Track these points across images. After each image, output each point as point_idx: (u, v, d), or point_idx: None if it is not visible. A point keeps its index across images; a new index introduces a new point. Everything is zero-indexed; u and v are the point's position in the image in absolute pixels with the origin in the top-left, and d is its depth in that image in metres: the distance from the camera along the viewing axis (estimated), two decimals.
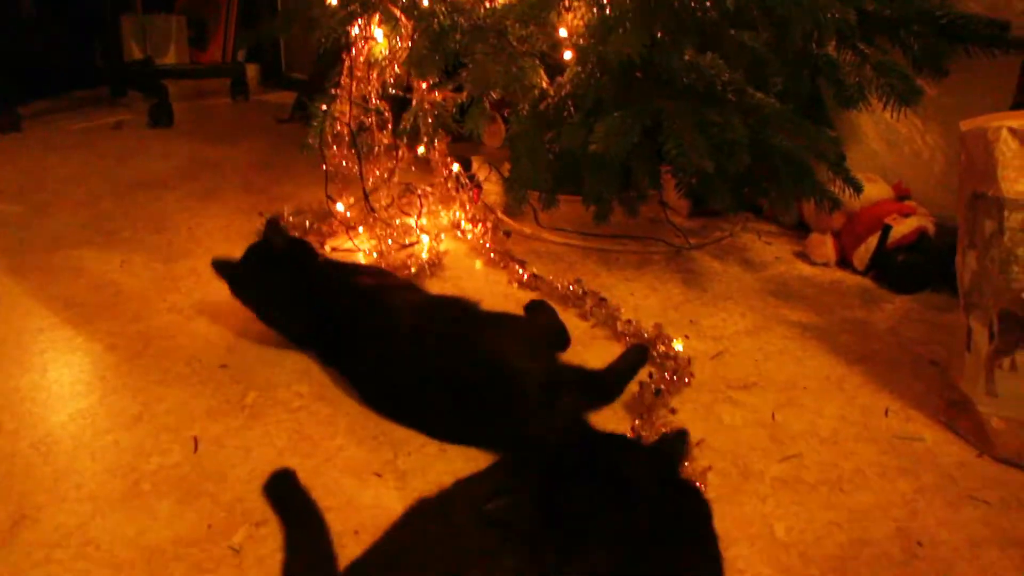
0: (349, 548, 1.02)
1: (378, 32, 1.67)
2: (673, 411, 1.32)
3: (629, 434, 1.25)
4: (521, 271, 1.75)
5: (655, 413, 1.29)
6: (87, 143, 2.91)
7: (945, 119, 1.95)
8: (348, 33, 1.67)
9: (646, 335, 1.51)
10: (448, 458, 1.21)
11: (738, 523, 1.10)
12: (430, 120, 1.73)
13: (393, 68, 1.68)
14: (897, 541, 1.08)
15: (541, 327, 1.48)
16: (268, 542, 1.04)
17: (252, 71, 3.93)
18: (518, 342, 1.32)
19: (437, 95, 1.74)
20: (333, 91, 1.82)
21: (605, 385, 1.34)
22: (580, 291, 1.65)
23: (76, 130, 3.11)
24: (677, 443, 1.12)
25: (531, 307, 1.57)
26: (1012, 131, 1.18)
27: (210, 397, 1.34)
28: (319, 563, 0.99)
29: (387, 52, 1.64)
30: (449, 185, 1.94)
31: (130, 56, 3.80)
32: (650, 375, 1.39)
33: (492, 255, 1.85)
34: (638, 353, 1.43)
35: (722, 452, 1.24)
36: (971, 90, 1.87)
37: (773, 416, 1.34)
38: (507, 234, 1.95)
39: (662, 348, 1.46)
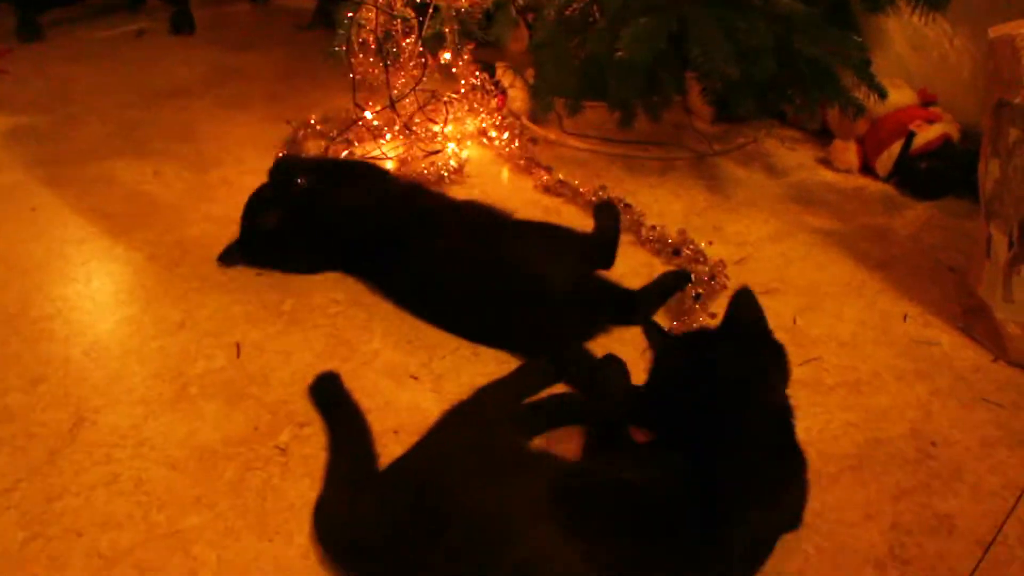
0: (389, 448, 1.08)
1: None
2: (713, 315, 1.35)
3: None
4: (547, 177, 1.78)
5: (693, 317, 1.33)
6: (110, 52, 2.91)
7: (975, 22, 1.92)
8: None
9: (670, 240, 1.54)
10: (481, 360, 1.26)
11: None
12: (455, 27, 1.73)
13: None
14: (911, 441, 1.13)
15: (579, 240, 1.50)
16: (312, 442, 1.10)
17: None
18: (550, 253, 1.36)
19: (463, 1, 1.73)
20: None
21: (635, 304, 1.37)
22: (605, 197, 1.68)
23: (98, 39, 3.10)
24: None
25: (599, 208, 1.62)
26: None
27: (249, 304, 1.40)
28: (362, 462, 1.05)
29: None
30: (474, 92, 1.95)
31: None
32: (689, 279, 1.42)
33: (520, 161, 1.87)
34: (676, 278, 1.45)
35: None
36: None
37: (795, 320, 1.38)
38: (533, 140, 1.97)
39: (689, 252, 1.49)
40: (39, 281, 1.48)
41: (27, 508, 1.00)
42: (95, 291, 1.45)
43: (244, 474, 1.05)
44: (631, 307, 1.35)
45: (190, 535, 0.97)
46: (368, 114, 1.93)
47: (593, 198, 1.70)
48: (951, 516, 1.02)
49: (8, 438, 1.12)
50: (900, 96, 1.91)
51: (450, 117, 1.95)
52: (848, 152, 1.94)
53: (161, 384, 1.22)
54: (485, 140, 1.96)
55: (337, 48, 1.84)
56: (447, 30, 1.76)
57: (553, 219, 1.64)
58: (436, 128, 1.92)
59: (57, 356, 1.28)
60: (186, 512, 1.00)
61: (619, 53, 1.47)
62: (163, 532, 0.97)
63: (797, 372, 1.23)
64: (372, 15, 1.78)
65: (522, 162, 1.86)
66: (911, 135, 1.84)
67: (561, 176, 1.77)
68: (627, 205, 1.66)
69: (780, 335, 1.30)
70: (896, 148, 1.86)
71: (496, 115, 1.95)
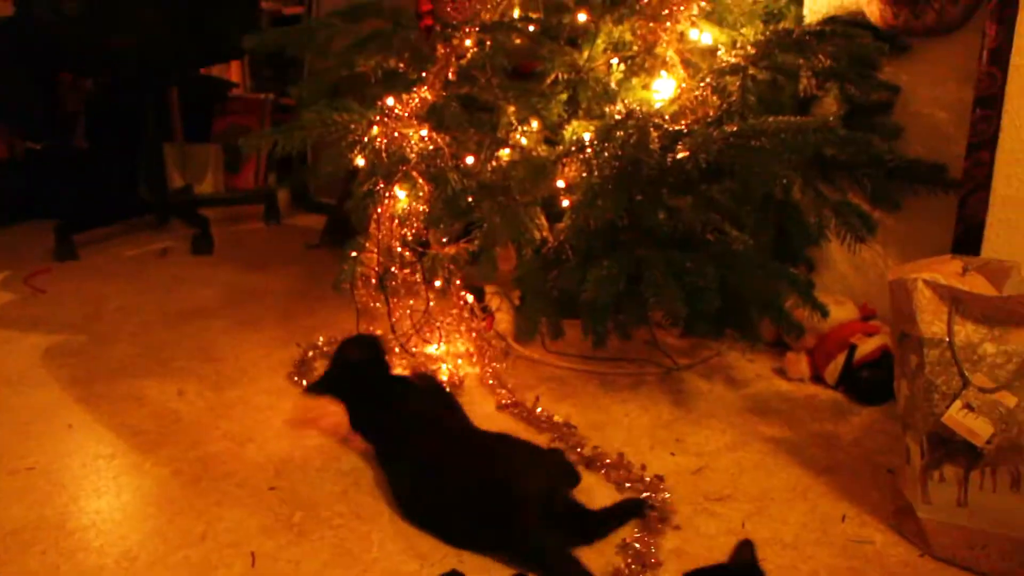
0: None
1: (400, 192, 1.94)
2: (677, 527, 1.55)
3: None
4: (505, 395, 2.02)
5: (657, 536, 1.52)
6: (137, 271, 3.20)
7: (902, 246, 2.20)
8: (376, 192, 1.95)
9: (608, 461, 1.74)
10: (466, 566, 1.43)
11: None
12: (447, 265, 2.00)
13: (413, 223, 1.95)
14: None
15: (554, 461, 1.70)
16: None
17: (283, 196, 4.25)
18: (528, 469, 1.56)
19: (451, 249, 2.00)
20: (361, 240, 2.09)
21: (590, 526, 1.52)
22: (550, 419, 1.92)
23: (127, 257, 3.41)
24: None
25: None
26: (926, 282, 1.43)
27: (263, 517, 1.58)
28: None
29: (408, 208, 1.91)
30: (464, 315, 2.19)
31: (171, 182, 4.14)
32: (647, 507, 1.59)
33: (489, 381, 2.09)
34: (634, 505, 1.59)
35: (696, 558, 1.46)
36: (922, 220, 2.13)
37: (743, 525, 1.56)
38: (506, 354, 2.21)
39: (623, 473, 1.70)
40: (75, 494, 1.67)
41: None
42: (125, 504, 1.64)
43: None
44: (587, 532, 1.51)
45: None
46: None
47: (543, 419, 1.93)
48: None
49: None
50: (843, 312, 2.16)
51: (441, 340, 2.18)
52: (800, 363, 2.17)
53: None
54: (473, 360, 2.19)
55: (344, 285, 2.10)
56: (439, 268, 2.01)
57: None
58: (431, 349, 2.16)
59: (92, 566, 1.45)
60: None
61: (584, 295, 1.73)
62: None
63: None
64: (373, 255, 2.04)
65: (490, 381, 2.09)
66: (853, 347, 2.07)
67: (536, 396, 2.01)
68: (570, 426, 1.89)
69: (730, 538, 1.50)
70: (841, 359, 2.09)
71: (480, 336, 2.18)
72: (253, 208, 4.10)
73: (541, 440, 1.84)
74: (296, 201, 4.30)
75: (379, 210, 1.94)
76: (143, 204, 4.01)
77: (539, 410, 1.96)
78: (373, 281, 2.07)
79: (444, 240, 1.99)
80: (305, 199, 4.22)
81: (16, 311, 2.75)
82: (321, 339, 2.29)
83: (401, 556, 1.47)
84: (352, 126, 1.95)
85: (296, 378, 2.17)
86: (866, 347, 2.07)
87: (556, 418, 1.93)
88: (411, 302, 2.11)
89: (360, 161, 1.97)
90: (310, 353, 2.25)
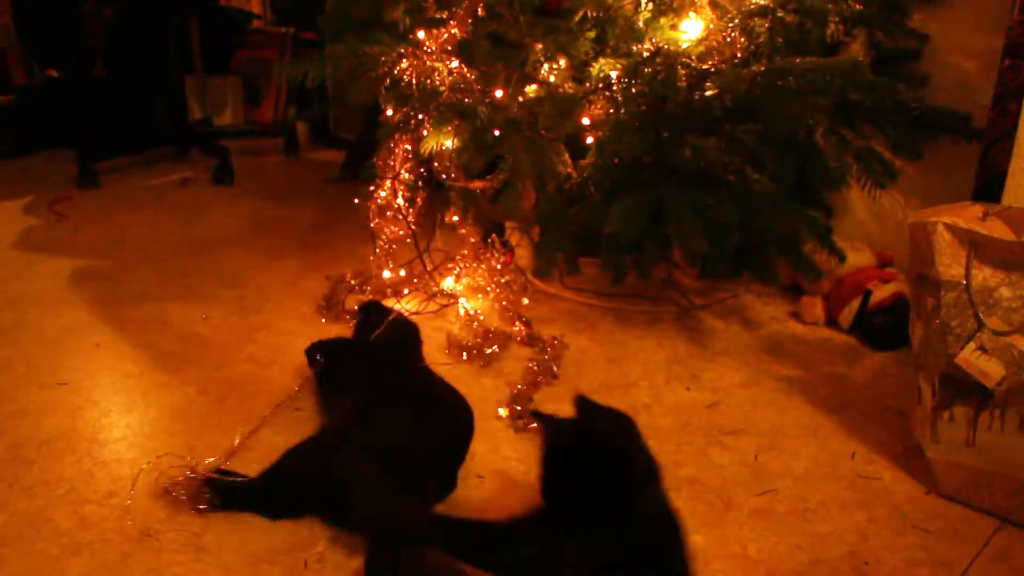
0: None
1: (429, 125, 1.96)
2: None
3: None
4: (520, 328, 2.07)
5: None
6: (159, 200, 3.24)
7: (923, 195, 2.21)
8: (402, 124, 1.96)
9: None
10: (485, 485, 1.48)
11: (718, 544, 1.36)
12: (469, 199, 2.02)
13: (440, 156, 1.97)
14: (848, 560, 1.34)
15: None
16: (342, 551, 1.32)
17: (302, 129, 4.26)
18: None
19: (476, 184, 2.02)
20: (384, 170, 2.11)
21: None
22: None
23: (148, 186, 3.44)
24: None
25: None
26: (946, 225, 1.45)
27: (288, 434, 1.62)
28: None
29: (435, 144, 1.93)
30: (482, 250, 2.22)
31: (191, 115, 4.15)
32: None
33: (507, 314, 2.13)
34: None
35: (710, 486, 1.50)
36: (944, 169, 2.14)
37: (756, 458, 1.60)
38: (525, 288, 2.24)
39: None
40: (106, 409, 1.72)
41: None
42: (154, 419, 1.69)
43: None
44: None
45: None
46: (387, 273, 2.20)
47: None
48: None
49: (87, 544, 1.33)
50: (860, 258, 2.18)
51: (460, 275, 2.21)
52: (815, 307, 2.20)
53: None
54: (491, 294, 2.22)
55: (365, 203, 2.13)
56: (462, 202, 2.03)
57: None
58: (448, 284, 2.19)
59: (125, 475, 1.51)
60: None
61: (608, 228, 1.75)
62: None
63: (755, 501, 1.47)
64: (397, 184, 2.06)
65: (508, 314, 2.12)
66: (868, 293, 2.10)
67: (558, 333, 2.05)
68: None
69: (742, 470, 1.55)
70: (856, 304, 2.12)
71: (501, 271, 2.21)
72: (272, 141, 4.12)
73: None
74: (315, 135, 4.31)
75: (406, 143, 1.95)
76: (163, 135, 4.03)
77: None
78: (389, 213, 2.09)
79: (467, 175, 2.01)
80: (325, 133, 4.23)
81: (41, 236, 2.79)
82: (349, 274, 2.33)
83: None
84: (383, 58, 1.96)
85: (324, 309, 2.21)
86: (881, 293, 2.09)
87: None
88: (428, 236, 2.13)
89: (389, 93, 1.98)
90: (339, 286, 2.29)
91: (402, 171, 2.08)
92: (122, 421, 1.68)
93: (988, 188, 1.94)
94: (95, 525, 1.37)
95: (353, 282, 2.28)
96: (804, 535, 1.39)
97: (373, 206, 2.13)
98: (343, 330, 2.01)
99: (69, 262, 2.52)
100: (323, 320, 2.15)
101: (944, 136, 2.08)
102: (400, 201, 2.10)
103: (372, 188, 2.15)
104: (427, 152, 1.90)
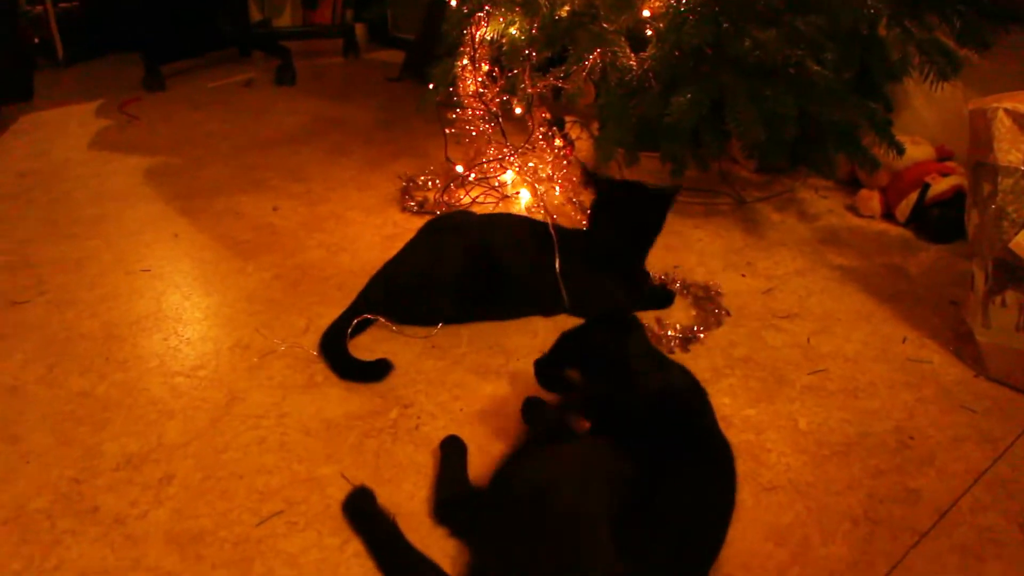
0: (479, 428, 1.38)
1: (494, 17, 1.99)
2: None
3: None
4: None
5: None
6: (224, 100, 3.31)
7: (986, 87, 2.17)
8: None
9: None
10: None
11: (770, 417, 1.43)
12: (533, 91, 2.05)
13: (505, 49, 2.00)
14: (894, 435, 1.40)
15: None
16: (413, 419, 1.41)
17: (360, 31, 4.28)
18: None
19: (539, 83, 2.04)
20: (451, 62, 2.14)
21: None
22: None
23: (213, 88, 3.52)
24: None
25: None
26: (1007, 111, 1.46)
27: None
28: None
29: (501, 32, 1.96)
30: (544, 142, 2.25)
31: (251, 17, 4.19)
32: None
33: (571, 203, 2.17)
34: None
35: (763, 365, 1.57)
36: (1010, 62, 2.11)
37: (808, 340, 1.65)
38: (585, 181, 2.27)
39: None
40: (188, 292, 1.83)
41: (201, 457, 1.33)
42: (233, 301, 1.79)
43: (363, 440, 1.36)
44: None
45: (323, 480, 1.28)
46: (460, 168, 2.25)
47: None
48: (918, 491, 1.28)
49: (179, 410, 1.44)
50: (919, 151, 2.18)
51: (522, 165, 2.25)
52: (872, 200, 2.21)
53: (294, 374, 1.54)
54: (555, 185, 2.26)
55: (436, 98, 2.17)
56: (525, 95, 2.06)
57: None
58: (509, 175, 2.24)
59: (210, 350, 1.61)
60: (319, 464, 1.31)
61: (668, 119, 1.78)
62: (303, 478, 1.28)
63: (806, 380, 1.53)
64: (468, 75, 2.10)
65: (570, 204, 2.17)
66: (926, 186, 2.11)
67: None
68: None
69: (794, 350, 1.60)
70: (913, 197, 2.13)
71: (562, 163, 2.25)
72: (332, 43, 4.15)
73: None
74: (374, 36, 4.33)
75: (474, 31, 1.98)
76: (225, 37, 4.08)
77: None
78: (463, 101, 2.12)
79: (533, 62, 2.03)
80: (383, 34, 4.25)
81: (114, 136, 2.89)
82: (423, 176, 2.38)
83: (489, 352, 1.60)
84: None
85: (408, 204, 2.26)
86: (940, 186, 2.10)
87: None
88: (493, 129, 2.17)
89: None
90: (410, 184, 2.35)
91: (477, 58, 2.10)
92: (203, 303, 1.79)
93: None
94: (185, 394, 1.48)
95: (421, 178, 2.35)
96: (852, 411, 1.45)
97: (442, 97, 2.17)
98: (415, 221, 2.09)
99: (143, 160, 2.62)
100: (401, 210, 2.23)
101: (1014, 25, 2.05)
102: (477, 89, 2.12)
103: (439, 80, 2.18)
104: (492, 38, 1.92)
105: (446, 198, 2.20)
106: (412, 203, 2.23)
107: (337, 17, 4.33)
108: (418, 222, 2.02)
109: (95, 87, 3.49)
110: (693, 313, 1.76)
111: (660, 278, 1.86)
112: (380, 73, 3.65)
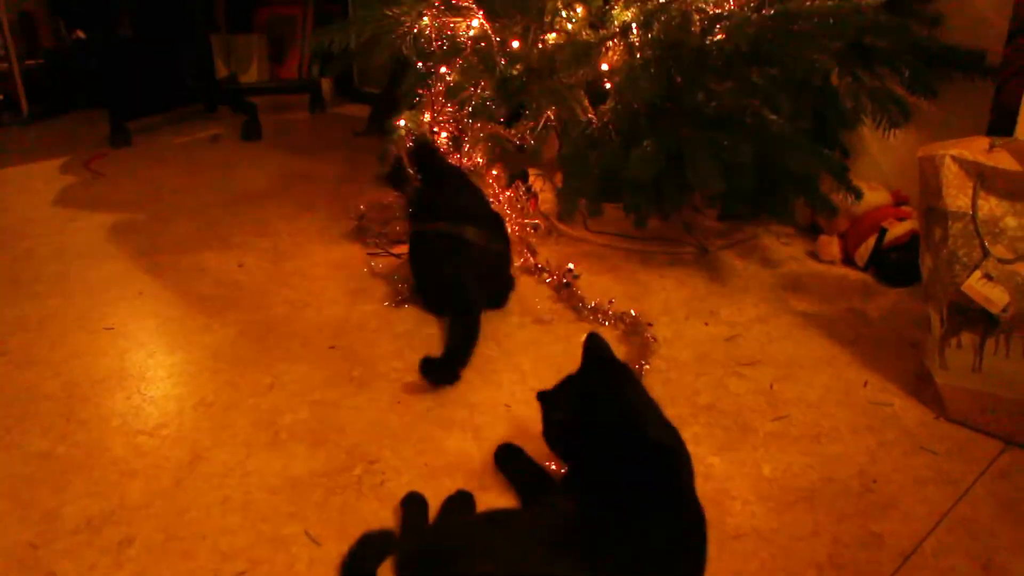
0: (444, 482, 1.38)
1: (451, 76, 2.02)
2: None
3: None
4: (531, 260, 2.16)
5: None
6: (190, 156, 3.33)
7: (937, 133, 2.23)
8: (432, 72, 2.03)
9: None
10: (512, 415, 1.56)
11: (735, 465, 1.44)
12: (492, 145, 2.08)
13: (463, 104, 2.04)
14: (857, 479, 1.41)
15: None
16: (379, 475, 1.40)
17: (327, 85, 4.32)
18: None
19: (500, 131, 2.07)
20: (412, 115, 2.18)
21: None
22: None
23: (179, 143, 3.53)
24: None
25: None
26: (953, 158, 1.50)
27: (325, 371, 1.71)
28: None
29: (460, 91, 1.99)
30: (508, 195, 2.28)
31: (217, 73, 4.22)
32: None
33: (524, 252, 2.19)
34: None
35: (727, 412, 1.58)
36: (958, 107, 2.17)
37: (771, 386, 1.67)
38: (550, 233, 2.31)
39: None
40: (152, 350, 1.82)
41: (163, 518, 1.31)
42: (198, 359, 1.78)
43: (328, 497, 1.35)
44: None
45: (288, 539, 1.27)
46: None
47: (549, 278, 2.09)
48: (881, 535, 1.29)
49: (142, 469, 1.43)
50: (876, 197, 2.23)
51: None
52: (832, 245, 2.25)
53: (258, 431, 1.53)
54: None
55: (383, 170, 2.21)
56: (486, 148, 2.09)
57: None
58: None
59: (174, 409, 1.60)
60: (284, 523, 1.30)
61: (627, 173, 1.81)
62: (268, 537, 1.27)
63: (769, 426, 1.54)
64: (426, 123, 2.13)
65: (525, 251, 2.19)
66: (883, 231, 2.15)
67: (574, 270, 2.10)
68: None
69: (758, 397, 1.62)
70: (872, 241, 2.17)
71: (529, 212, 2.27)
72: (298, 97, 4.18)
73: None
74: (340, 90, 4.37)
75: (433, 88, 2.02)
76: (191, 92, 4.11)
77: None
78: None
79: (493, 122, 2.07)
80: (349, 88, 4.29)
81: (79, 192, 2.89)
82: (362, 206, 2.43)
83: (453, 405, 1.60)
84: (403, 18, 2.02)
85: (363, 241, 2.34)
86: (896, 230, 2.14)
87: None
88: None
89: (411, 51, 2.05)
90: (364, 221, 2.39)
91: (439, 115, 2.13)
92: (167, 361, 1.78)
93: (1001, 124, 1.98)
94: (148, 453, 1.47)
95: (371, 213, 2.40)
96: (816, 456, 1.47)
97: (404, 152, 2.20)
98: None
99: (108, 216, 2.61)
100: (368, 269, 2.23)
101: (958, 74, 2.12)
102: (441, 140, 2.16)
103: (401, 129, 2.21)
104: (452, 95, 1.96)
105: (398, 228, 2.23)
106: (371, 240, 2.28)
107: (303, 72, 4.38)
108: (383, 285, 2.05)
109: (61, 143, 3.50)
110: (623, 348, 1.79)
111: (592, 305, 1.93)
112: (346, 127, 3.68)
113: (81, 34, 4.20)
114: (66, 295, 2.08)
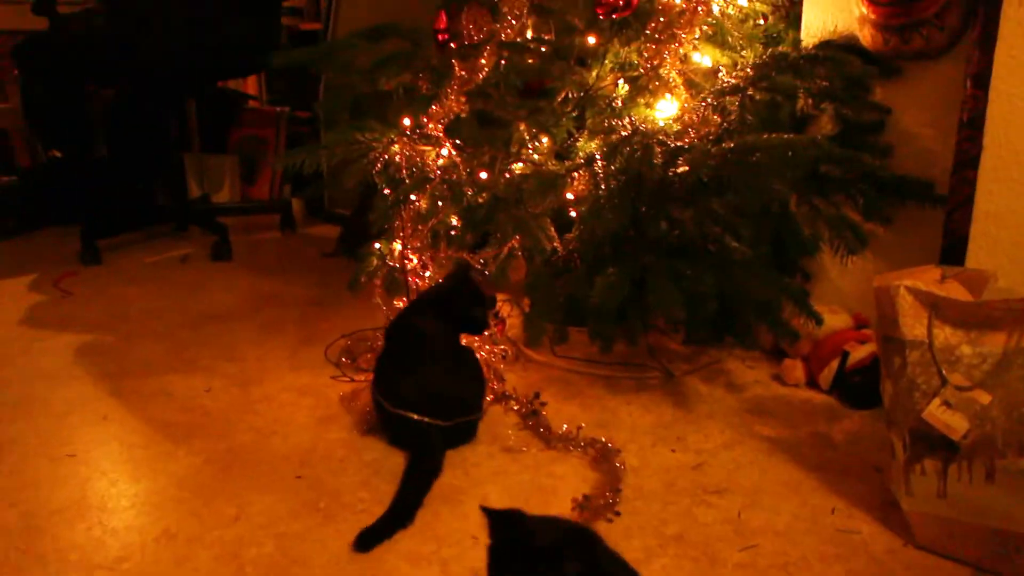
0: None
1: (421, 203, 2.07)
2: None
3: None
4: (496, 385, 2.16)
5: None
6: (160, 276, 3.34)
7: (893, 258, 2.31)
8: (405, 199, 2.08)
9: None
10: (480, 546, 1.54)
11: None
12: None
13: (431, 231, 2.08)
14: None
15: None
16: None
17: (297, 205, 4.38)
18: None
19: (467, 258, 2.11)
20: (383, 242, 2.21)
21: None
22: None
23: (149, 262, 3.55)
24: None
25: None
26: (907, 288, 1.55)
27: (291, 502, 1.69)
28: None
29: (429, 218, 2.04)
30: None
31: (190, 193, 4.28)
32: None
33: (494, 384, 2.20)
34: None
35: (695, 544, 1.57)
36: (912, 233, 2.24)
37: (739, 515, 1.67)
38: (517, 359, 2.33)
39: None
40: (115, 478, 1.79)
41: None
42: (162, 488, 1.76)
43: None
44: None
45: None
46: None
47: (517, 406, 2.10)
48: None
49: None
50: (837, 320, 2.27)
51: None
52: (796, 369, 2.28)
53: (221, 566, 1.50)
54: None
55: (360, 281, 2.24)
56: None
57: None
58: None
59: (135, 541, 1.57)
60: None
61: (592, 300, 1.85)
62: None
63: (737, 556, 1.54)
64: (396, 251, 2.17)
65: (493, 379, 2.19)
66: (846, 354, 2.19)
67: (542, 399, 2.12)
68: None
69: (726, 527, 1.62)
70: (834, 365, 2.20)
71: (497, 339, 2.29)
72: (269, 218, 4.23)
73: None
74: (311, 211, 4.43)
75: (403, 215, 2.06)
76: (163, 212, 4.15)
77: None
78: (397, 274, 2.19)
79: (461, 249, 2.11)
80: (320, 210, 4.35)
81: (47, 312, 2.88)
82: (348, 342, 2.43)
83: (418, 538, 1.58)
84: (374, 144, 2.08)
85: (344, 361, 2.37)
86: (859, 354, 2.18)
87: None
88: None
89: (381, 177, 2.10)
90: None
91: (409, 242, 2.17)
92: (130, 490, 1.75)
93: (952, 251, 2.04)
94: None
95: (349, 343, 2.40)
96: None
97: (378, 281, 2.23)
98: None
99: (75, 337, 2.61)
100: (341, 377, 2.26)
101: (910, 202, 2.20)
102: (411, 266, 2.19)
103: (374, 253, 2.25)
104: (422, 222, 2.00)
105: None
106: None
107: (275, 192, 4.45)
108: (351, 416, 2.07)
109: (31, 261, 3.51)
110: (592, 475, 1.80)
111: (561, 432, 1.95)
112: (316, 248, 3.72)
113: (57, 153, 4.25)
114: (28, 419, 2.06)
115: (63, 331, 2.67)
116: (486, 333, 2.12)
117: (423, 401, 1.86)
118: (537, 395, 2.07)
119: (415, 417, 1.85)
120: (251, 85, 5.18)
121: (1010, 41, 1.86)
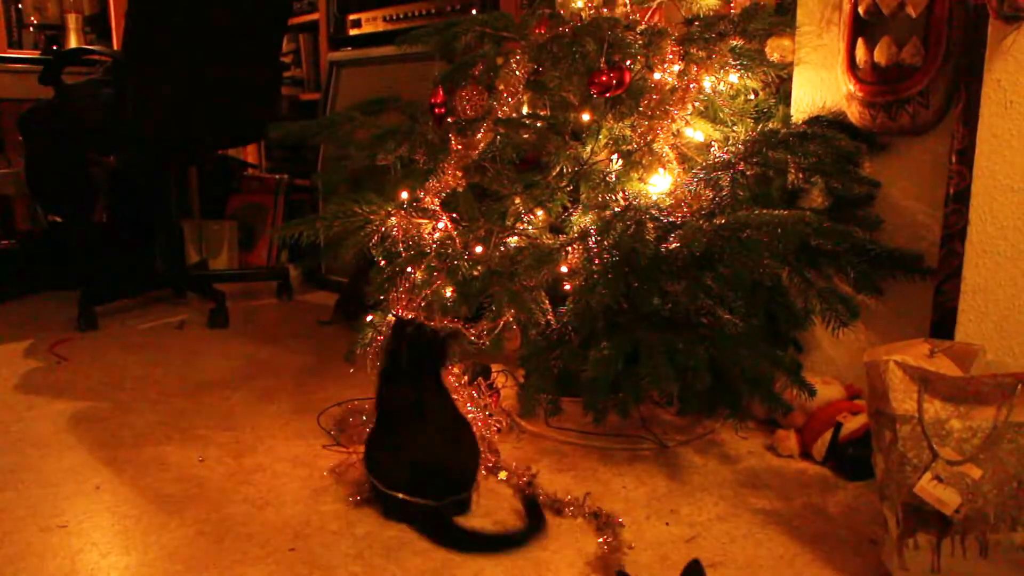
0: None
1: (417, 275, 2.10)
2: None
3: None
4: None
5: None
6: (156, 342, 3.35)
7: (884, 329, 2.34)
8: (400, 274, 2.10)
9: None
10: None
11: None
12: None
13: (427, 303, 2.10)
14: None
15: None
16: None
17: (295, 272, 4.41)
18: None
19: (462, 329, 2.13)
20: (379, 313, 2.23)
21: None
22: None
23: (146, 329, 3.56)
24: None
25: None
26: (897, 363, 1.57)
27: (283, 574, 1.69)
28: None
29: (424, 289, 2.06)
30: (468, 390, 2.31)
31: (188, 259, 4.32)
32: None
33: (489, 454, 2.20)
34: None
35: None
36: (903, 305, 2.27)
37: None
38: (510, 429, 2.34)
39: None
40: (106, 550, 1.78)
41: None
42: (153, 560, 1.75)
43: None
44: None
45: None
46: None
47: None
48: None
49: None
50: (830, 391, 2.29)
51: None
52: (789, 440, 2.29)
53: None
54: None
55: (356, 352, 2.26)
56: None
57: None
58: None
59: None
60: None
61: (585, 374, 1.87)
62: None
63: None
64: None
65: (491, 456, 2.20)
66: (839, 425, 2.20)
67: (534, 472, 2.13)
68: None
69: None
70: (828, 436, 2.21)
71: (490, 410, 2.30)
72: (266, 284, 4.26)
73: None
74: (308, 278, 4.46)
75: (398, 288, 2.09)
76: (161, 278, 4.19)
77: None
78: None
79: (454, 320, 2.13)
80: (317, 277, 4.38)
81: (42, 378, 2.89)
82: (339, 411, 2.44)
83: None
84: (371, 216, 2.11)
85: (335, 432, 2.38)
86: (852, 425, 2.19)
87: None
88: None
89: (378, 249, 2.14)
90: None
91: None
92: (121, 563, 1.74)
93: (943, 323, 2.07)
94: None
95: (352, 420, 2.41)
96: None
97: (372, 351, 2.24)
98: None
99: (69, 404, 2.61)
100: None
101: (900, 274, 2.23)
102: None
103: (370, 323, 2.27)
104: (417, 294, 2.03)
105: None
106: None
107: (272, 259, 4.49)
108: (344, 488, 2.06)
109: (27, 325, 3.53)
110: (589, 550, 1.80)
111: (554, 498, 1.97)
112: (313, 315, 3.74)
113: (57, 218, 4.30)
114: (19, 488, 2.05)
115: (58, 398, 2.67)
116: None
117: (415, 479, 1.86)
118: (528, 468, 2.08)
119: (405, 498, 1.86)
120: (251, 152, 5.26)
121: (989, 121, 1.91)
